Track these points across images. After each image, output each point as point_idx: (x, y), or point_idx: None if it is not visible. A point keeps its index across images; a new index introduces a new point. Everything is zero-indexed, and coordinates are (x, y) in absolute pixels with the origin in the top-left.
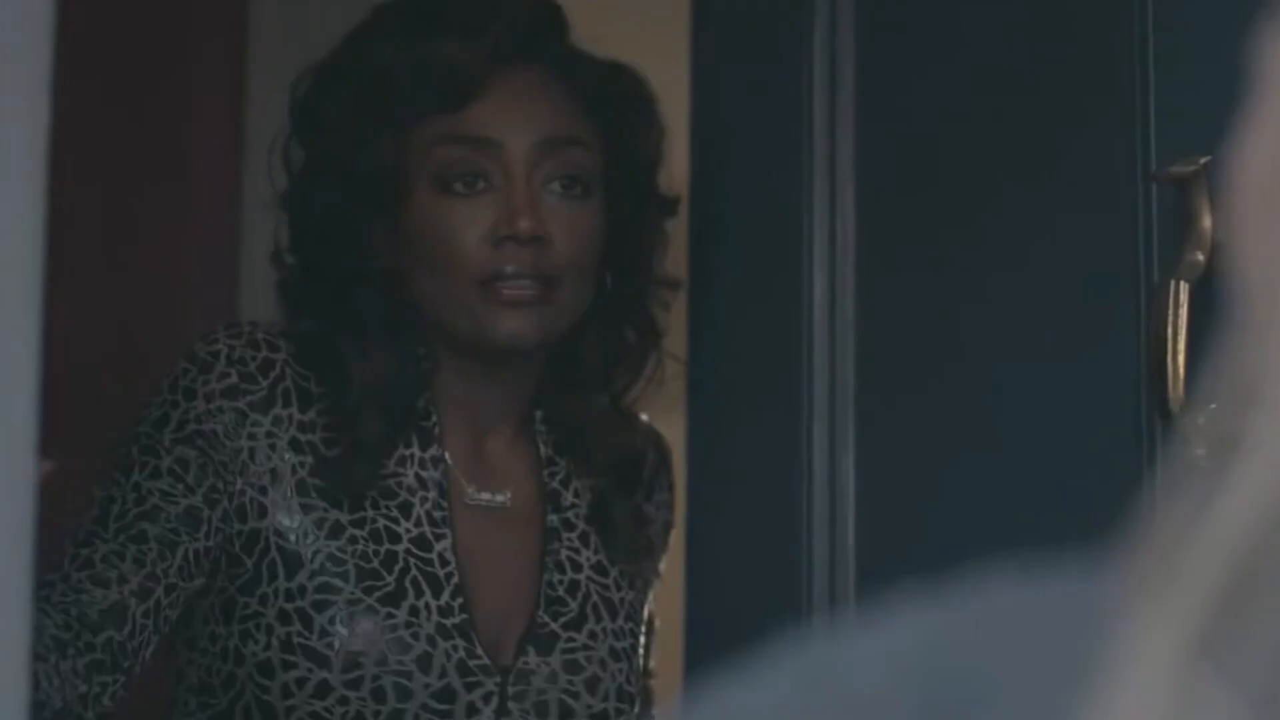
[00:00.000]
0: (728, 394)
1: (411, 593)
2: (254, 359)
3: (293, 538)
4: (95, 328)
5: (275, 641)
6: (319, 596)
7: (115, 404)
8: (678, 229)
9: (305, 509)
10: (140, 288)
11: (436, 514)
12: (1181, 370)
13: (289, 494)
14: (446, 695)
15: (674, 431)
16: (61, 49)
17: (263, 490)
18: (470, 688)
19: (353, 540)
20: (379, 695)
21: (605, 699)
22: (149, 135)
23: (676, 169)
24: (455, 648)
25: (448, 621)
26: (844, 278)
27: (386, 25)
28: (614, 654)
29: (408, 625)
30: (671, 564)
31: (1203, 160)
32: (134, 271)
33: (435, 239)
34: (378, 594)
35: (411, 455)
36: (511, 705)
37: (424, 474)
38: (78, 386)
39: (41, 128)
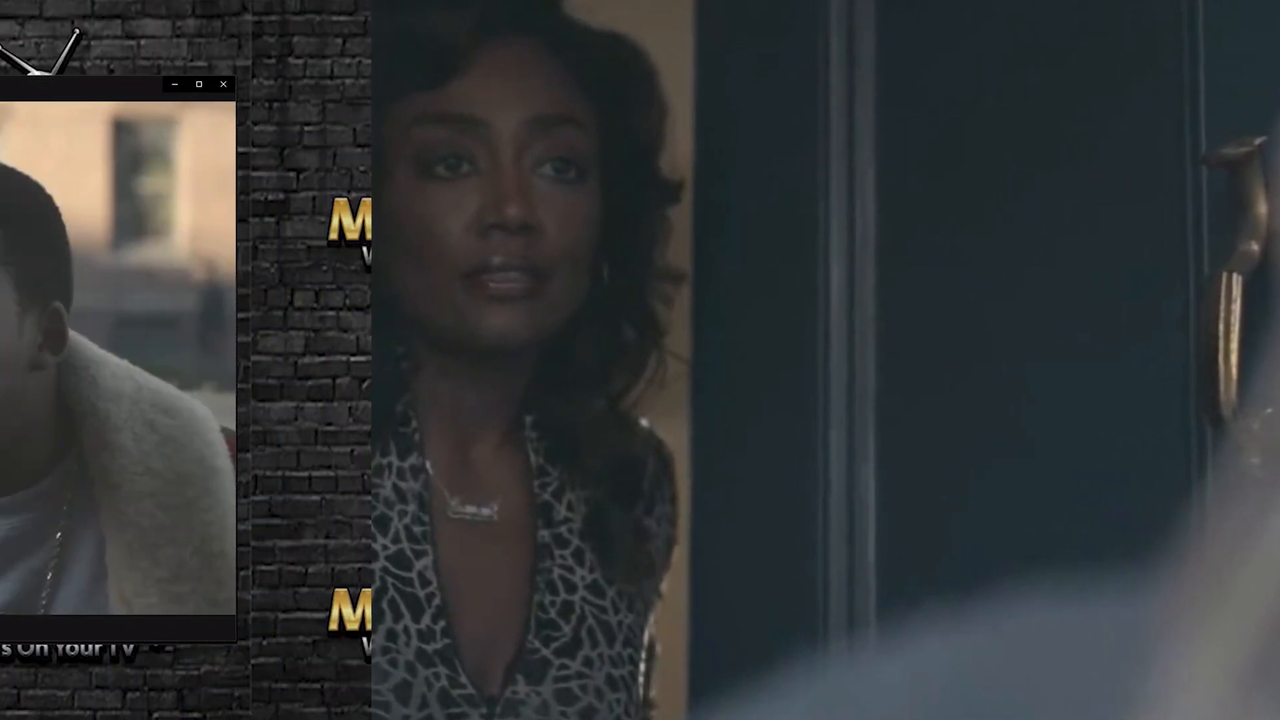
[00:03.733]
0: (736, 397)
1: (389, 615)
2: None
3: None
4: None
5: None
6: None
7: None
8: (681, 216)
9: None
10: None
11: (416, 529)
12: (1234, 370)
13: None
14: None
15: (677, 437)
16: None
17: None
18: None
19: None
20: None
21: None
22: None
23: (680, 151)
24: (437, 676)
25: (428, 647)
26: (864, 270)
27: None
28: (611, 683)
29: (384, 651)
30: (675, 583)
31: (1257, 141)
32: None
33: (415, 227)
34: None
35: (389, 464)
36: None
37: (403, 485)
38: None
39: None
